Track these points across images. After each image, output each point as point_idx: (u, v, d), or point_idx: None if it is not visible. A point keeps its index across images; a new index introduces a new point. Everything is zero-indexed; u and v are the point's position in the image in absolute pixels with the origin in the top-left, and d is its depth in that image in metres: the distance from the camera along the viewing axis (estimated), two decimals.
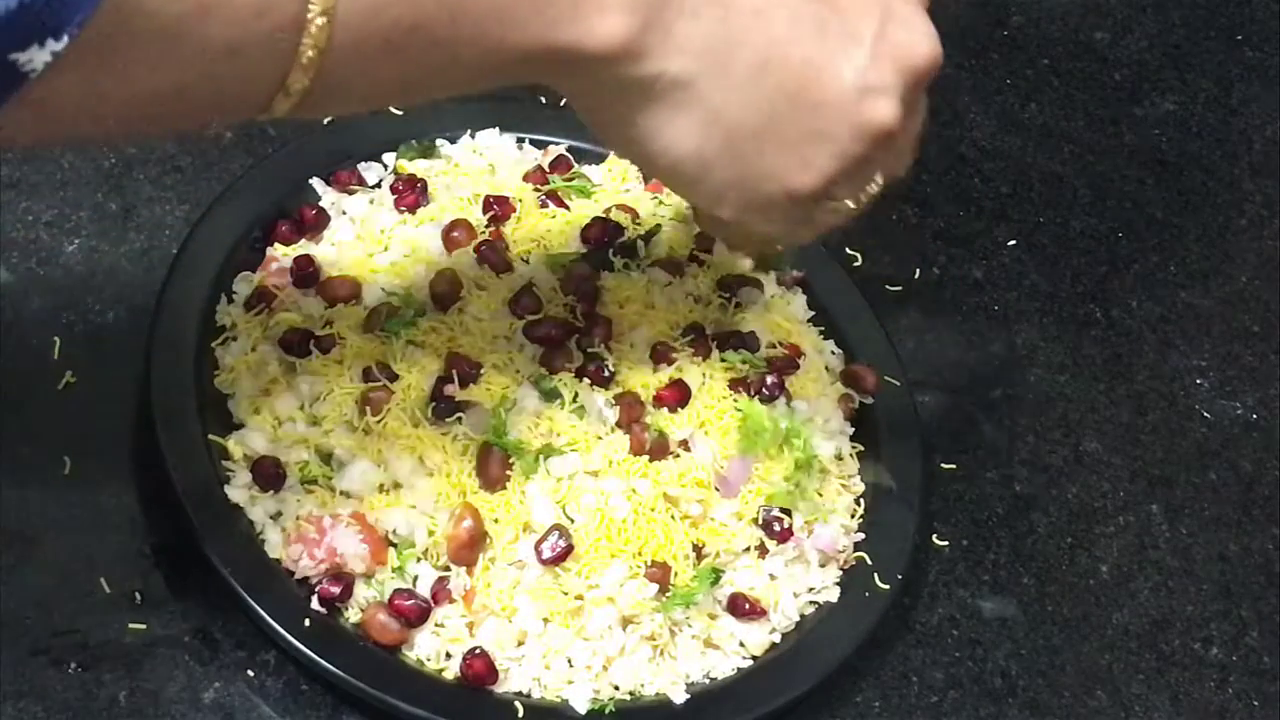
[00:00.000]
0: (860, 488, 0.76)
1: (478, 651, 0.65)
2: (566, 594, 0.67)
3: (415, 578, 0.66)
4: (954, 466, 0.83)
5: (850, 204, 0.60)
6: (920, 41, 0.57)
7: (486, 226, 0.77)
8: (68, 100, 0.41)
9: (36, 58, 0.38)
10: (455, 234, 0.76)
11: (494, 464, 0.67)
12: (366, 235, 0.76)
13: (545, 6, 0.48)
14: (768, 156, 0.55)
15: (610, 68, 0.51)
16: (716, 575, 0.70)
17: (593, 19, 0.49)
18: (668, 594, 0.68)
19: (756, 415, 0.72)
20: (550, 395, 0.70)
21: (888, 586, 0.73)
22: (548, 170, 0.82)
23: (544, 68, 0.51)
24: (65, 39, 0.38)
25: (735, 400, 0.73)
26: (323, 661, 0.63)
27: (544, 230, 0.78)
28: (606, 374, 0.71)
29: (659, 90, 0.52)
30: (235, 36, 0.42)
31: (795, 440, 0.73)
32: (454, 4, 0.46)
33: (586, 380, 0.71)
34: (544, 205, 0.79)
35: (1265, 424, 0.90)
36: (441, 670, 0.66)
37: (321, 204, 0.79)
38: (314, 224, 0.77)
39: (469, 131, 0.83)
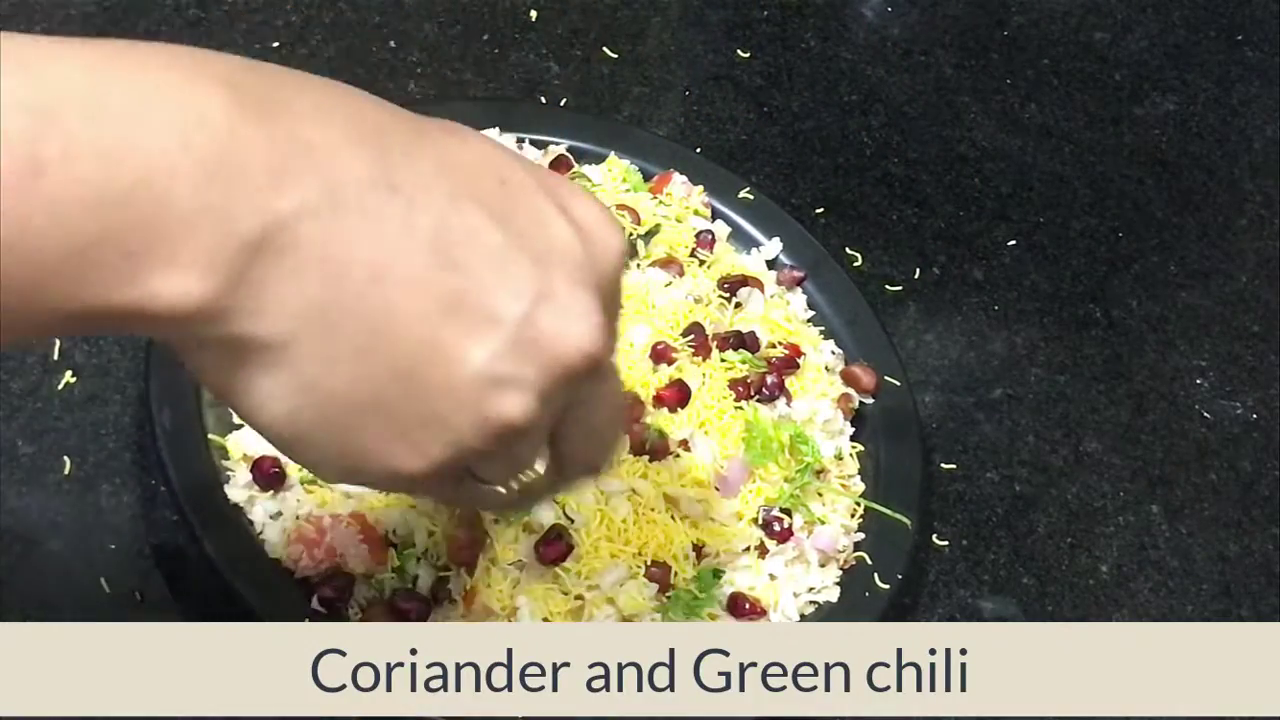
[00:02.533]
0: (860, 487, 0.76)
1: None
2: (566, 594, 0.67)
3: (415, 578, 0.66)
4: (954, 466, 0.83)
5: (501, 490, 0.52)
6: (573, 333, 0.46)
7: None
8: None
9: None
10: None
11: None
12: None
13: (97, 268, 0.41)
14: (370, 436, 0.47)
15: (182, 327, 0.43)
16: (717, 575, 0.70)
17: (156, 282, 0.41)
18: (668, 595, 0.68)
19: (762, 425, 0.72)
20: None
21: (888, 586, 0.73)
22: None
23: (109, 324, 0.43)
24: None
25: (738, 405, 0.73)
26: None
27: None
28: None
29: (244, 350, 0.44)
30: None
31: (803, 447, 0.73)
32: None
33: None
34: None
35: (1265, 424, 0.90)
36: None
37: None
38: None
39: None
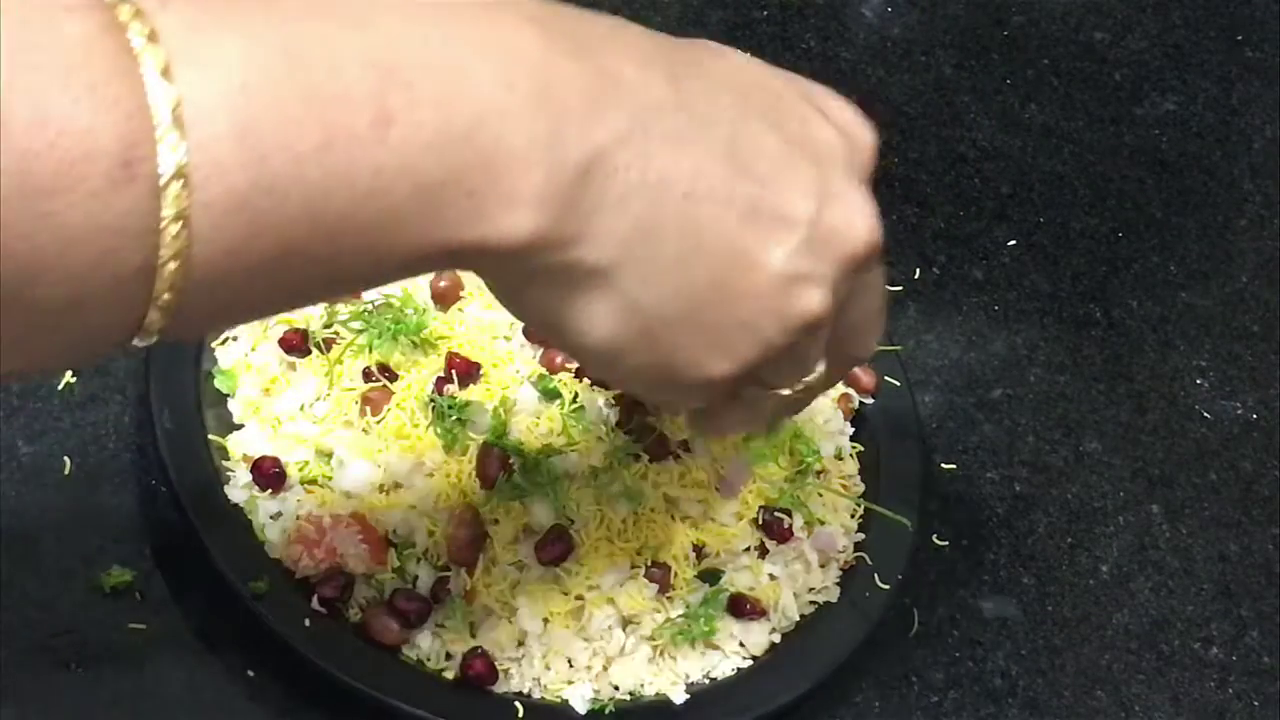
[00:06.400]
0: (860, 487, 0.76)
1: (478, 651, 0.65)
2: (566, 594, 0.67)
3: (415, 578, 0.66)
4: (954, 466, 0.83)
5: (786, 391, 0.55)
6: (859, 224, 0.50)
7: None
8: None
9: None
10: None
11: (494, 464, 0.67)
12: None
13: (443, 208, 0.43)
14: (686, 346, 0.49)
15: (520, 261, 0.45)
16: (716, 577, 0.70)
17: (498, 217, 0.44)
18: (669, 595, 0.68)
19: None
20: (550, 395, 0.70)
21: (888, 586, 0.73)
22: None
23: (449, 263, 0.46)
24: None
25: None
26: (322, 662, 0.63)
27: None
28: None
29: (574, 278, 0.47)
30: (74, 292, 0.38)
31: (803, 447, 0.73)
32: (332, 222, 0.41)
33: (586, 380, 0.71)
34: None
35: (1265, 424, 0.90)
36: (441, 670, 0.66)
37: None
38: None
39: None
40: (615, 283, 0.47)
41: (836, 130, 0.51)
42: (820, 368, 0.54)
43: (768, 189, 0.48)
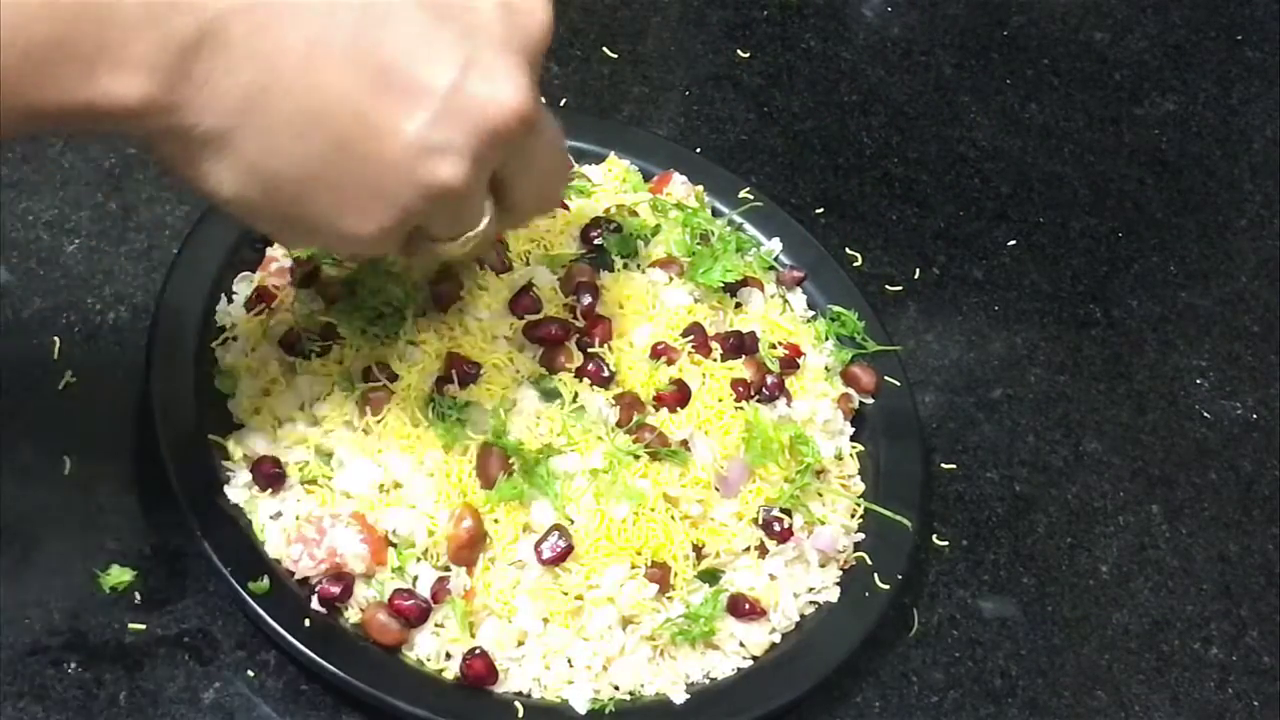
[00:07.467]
0: (860, 487, 0.76)
1: (478, 651, 0.65)
2: (566, 594, 0.67)
3: (415, 578, 0.66)
4: (954, 466, 0.83)
5: (450, 247, 0.57)
6: (501, 96, 0.50)
7: None
8: None
9: None
10: None
11: (494, 464, 0.67)
12: None
13: (53, 70, 0.45)
14: (318, 205, 0.51)
15: (138, 121, 0.48)
16: (716, 577, 0.70)
17: (107, 82, 0.46)
18: (669, 595, 0.68)
19: (762, 426, 0.72)
20: (550, 395, 0.70)
21: (888, 586, 0.73)
22: None
23: (69, 121, 0.48)
24: None
25: (738, 405, 0.73)
26: (323, 661, 0.63)
27: (544, 230, 0.78)
28: (606, 374, 0.71)
29: (195, 140, 0.49)
30: None
31: (803, 448, 0.73)
32: None
33: (586, 380, 0.71)
34: None
35: (1265, 424, 0.90)
36: (441, 670, 0.66)
37: None
38: None
39: None
40: (232, 147, 0.49)
41: (498, 4, 0.51)
42: (485, 222, 0.56)
43: (402, 59, 0.49)
